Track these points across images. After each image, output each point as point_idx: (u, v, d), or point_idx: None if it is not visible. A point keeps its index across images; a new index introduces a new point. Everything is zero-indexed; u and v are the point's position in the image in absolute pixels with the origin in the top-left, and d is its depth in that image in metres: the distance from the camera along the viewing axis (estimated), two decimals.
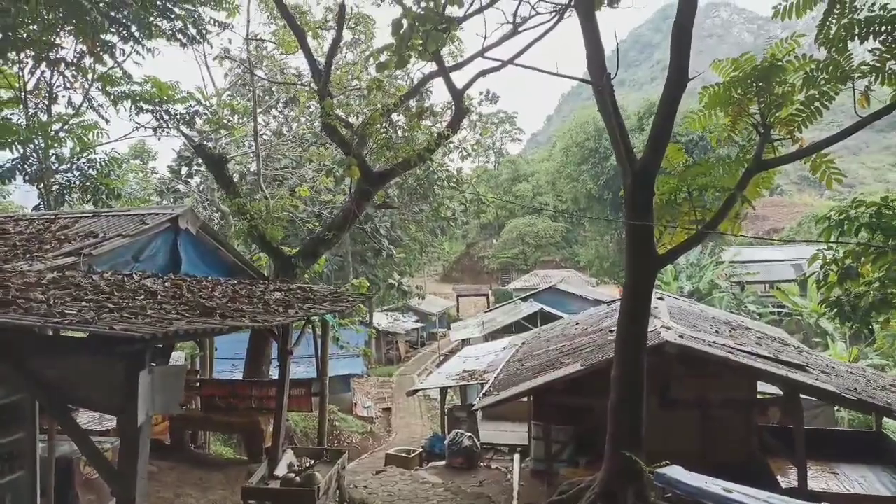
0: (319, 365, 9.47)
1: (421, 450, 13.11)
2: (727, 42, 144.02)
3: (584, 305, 29.78)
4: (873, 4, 8.65)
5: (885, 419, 11.22)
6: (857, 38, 8.71)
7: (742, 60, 8.84)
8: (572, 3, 9.51)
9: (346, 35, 18.84)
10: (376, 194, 15.71)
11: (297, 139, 24.11)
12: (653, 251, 8.09)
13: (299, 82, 19.82)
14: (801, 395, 8.87)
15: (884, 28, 8.57)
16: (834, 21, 8.79)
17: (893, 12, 8.51)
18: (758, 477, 8.54)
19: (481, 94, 17.28)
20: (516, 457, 11.11)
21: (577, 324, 15.12)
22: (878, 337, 23.92)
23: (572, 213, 62.61)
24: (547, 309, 31.53)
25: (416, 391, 17.86)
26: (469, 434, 11.56)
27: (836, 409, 14.36)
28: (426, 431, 20.67)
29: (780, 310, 34.51)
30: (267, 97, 24.91)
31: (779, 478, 8.88)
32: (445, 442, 11.73)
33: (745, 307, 35.10)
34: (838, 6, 8.70)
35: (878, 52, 8.79)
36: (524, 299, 35.51)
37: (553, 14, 10.85)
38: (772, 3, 8.80)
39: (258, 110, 20.19)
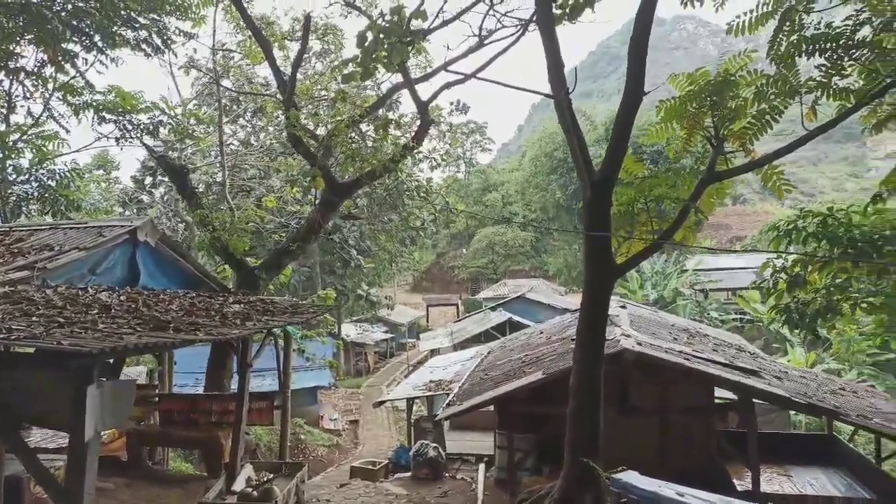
0: (282, 377, 9.39)
1: (387, 461, 13.06)
2: (693, 54, 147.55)
3: (552, 314, 30.04)
4: (819, 22, 9.03)
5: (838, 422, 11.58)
6: (804, 54, 9.08)
7: (697, 75, 9.11)
8: (535, 18, 9.71)
9: (316, 45, 18.88)
10: (343, 205, 15.70)
11: (265, 149, 23.99)
12: (611, 260, 8.24)
13: (266, 92, 19.75)
14: (756, 400, 9.12)
15: (829, 45, 8.96)
16: (784, 38, 9.15)
17: (837, 30, 8.91)
18: (716, 481, 8.73)
19: (451, 104, 17.45)
20: (481, 466, 11.14)
21: (542, 333, 15.28)
22: (835, 342, 24.69)
23: (540, 223, 63.24)
24: (515, 318, 31.75)
25: (382, 402, 17.79)
26: (434, 445, 11.57)
27: (793, 412, 14.76)
28: (394, 443, 20.56)
29: (741, 316, 35.28)
30: (234, 107, 24.75)
31: (735, 481, 9.10)
32: (411, 453, 11.71)
33: (709, 314, 35.81)
34: (788, 24, 9.06)
35: (823, 68, 9.16)
36: (493, 309, 35.71)
37: (517, 28, 11.04)
38: (743, 16, 9.14)
39: (225, 120, 20.04)
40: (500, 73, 9.04)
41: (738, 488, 8.70)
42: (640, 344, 9.44)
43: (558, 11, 9.04)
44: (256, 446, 16.21)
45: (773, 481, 9.36)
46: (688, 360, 9.26)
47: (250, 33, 14.71)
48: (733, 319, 35.78)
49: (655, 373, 9.51)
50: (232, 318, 6.57)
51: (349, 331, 37.57)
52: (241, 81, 19.98)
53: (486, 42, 11.67)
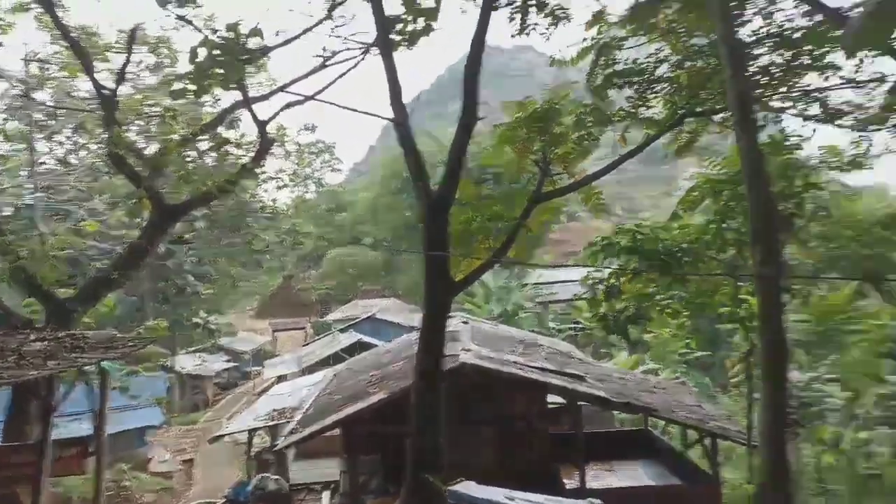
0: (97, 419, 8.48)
1: (224, 500, 12.25)
2: (532, 82, 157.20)
3: (403, 333, 30.19)
4: (627, 59, 10.15)
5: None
6: (616, 87, 10.13)
7: (526, 103, 9.79)
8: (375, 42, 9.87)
9: (150, 58, 17.52)
10: (174, 228, 14.68)
11: (87, 169, 21.78)
12: (448, 278, 8.51)
13: (87, 108, 17.96)
14: (582, 402, 9.86)
15: (635, 79, 10.08)
16: (600, 71, 10.14)
17: (642, 66, 10.07)
18: (549, 482, 9.27)
19: (304, 124, 17.04)
20: (325, 494, 10.86)
21: (389, 352, 15.30)
22: (652, 344, 27.46)
23: (390, 243, 63.70)
24: (366, 339, 31.45)
25: (219, 437, 16.70)
26: (276, 477, 11.06)
27: (616, 412, 16.11)
28: (234, 480, 19.36)
29: (576, 325, 37.99)
30: (50, 122, 22.20)
31: (566, 480, 9.73)
32: (248, 488, 11.08)
33: (548, 325, 38.11)
34: (603, 59, 10.07)
35: (631, 100, 10.25)
36: (343, 330, 35.11)
37: (360, 50, 11.12)
38: (569, 49, 9.98)
39: (38, 136, 17.97)
40: (348, 94, 9.06)
41: (568, 486, 9.30)
42: (479, 358, 9.80)
43: (398, 37, 9.30)
44: (68, 499, 14.36)
45: (598, 477, 10.14)
46: (522, 370, 9.78)
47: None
48: (569, 328, 38.35)
49: (494, 384, 9.91)
50: (31, 357, 5.83)
51: (186, 363, 34.86)
52: (59, 95, 18.04)
53: (329, 63, 11.62)
